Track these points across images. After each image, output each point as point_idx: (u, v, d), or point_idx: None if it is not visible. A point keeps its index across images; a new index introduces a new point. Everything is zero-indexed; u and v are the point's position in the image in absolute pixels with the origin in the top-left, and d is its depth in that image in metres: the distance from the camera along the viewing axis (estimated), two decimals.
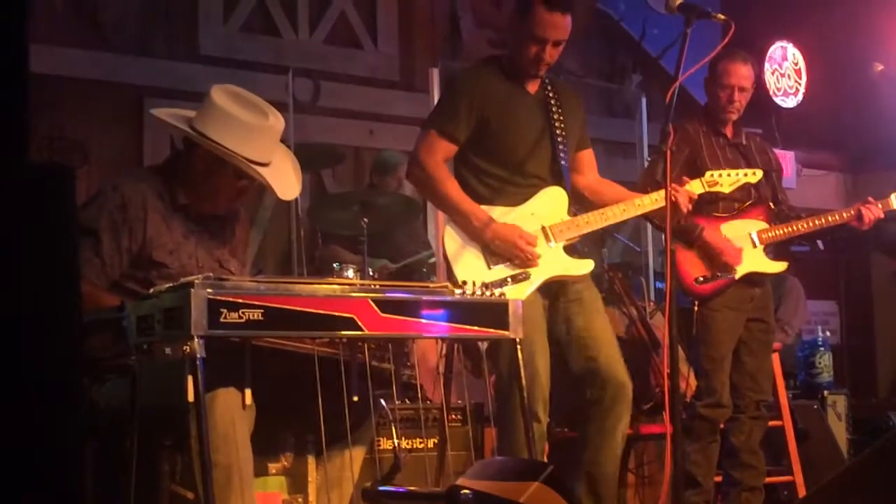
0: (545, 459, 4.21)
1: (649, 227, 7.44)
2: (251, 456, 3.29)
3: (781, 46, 9.58)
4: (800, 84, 9.65)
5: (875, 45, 9.20)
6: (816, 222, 5.15)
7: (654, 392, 5.04)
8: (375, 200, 6.23)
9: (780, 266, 5.16)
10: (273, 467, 3.71)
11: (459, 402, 4.96)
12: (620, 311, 5.63)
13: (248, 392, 3.25)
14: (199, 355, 2.86)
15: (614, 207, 4.30)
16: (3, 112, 1.47)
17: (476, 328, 3.39)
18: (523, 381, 3.64)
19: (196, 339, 2.85)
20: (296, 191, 3.88)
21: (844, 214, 5.19)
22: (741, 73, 5.10)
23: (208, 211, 3.74)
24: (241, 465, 3.23)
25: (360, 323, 3.12)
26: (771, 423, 5.41)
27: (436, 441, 4.67)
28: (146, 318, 3.02)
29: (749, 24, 5.01)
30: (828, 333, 8.02)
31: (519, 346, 3.52)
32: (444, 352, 4.60)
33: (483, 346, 3.82)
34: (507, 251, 4.10)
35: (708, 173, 4.56)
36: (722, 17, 4.03)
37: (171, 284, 3.01)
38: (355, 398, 3.30)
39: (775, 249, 5.22)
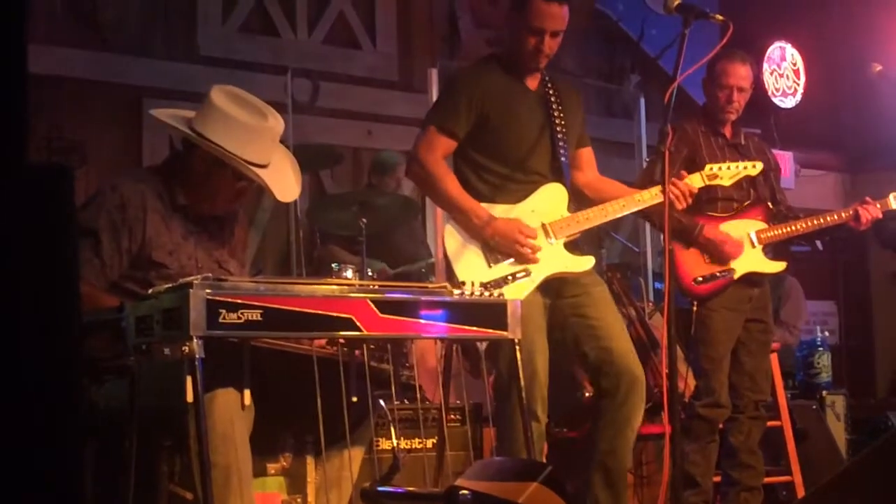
0: (544, 459, 4.21)
1: (648, 227, 7.45)
2: (250, 456, 3.28)
3: (780, 47, 9.59)
4: (798, 84, 9.66)
5: (873, 45, 9.20)
6: (815, 222, 5.15)
7: (653, 392, 5.04)
8: (374, 201, 6.23)
9: (778, 266, 5.16)
10: (272, 468, 3.71)
11: (458, 402, 4.96)
12: (619, 311, 5.64)
13: (247, 392, 3.25)
14: (197, 356, 2.86)
15: (614, 203, 4.30)
16: (1, 112, 1.47)
17: (475, 328, 3.39)
18: (522, 382, 3.64)
19: (195, 340, 2.85)
20: (295, 192, 3.88)
21: (843, 214, 5.19)
22: (740, 74, 5.11)
23: (207, 212, 3.74)
24: (240, 466, 3.23)
25: (358, 323, 3.12)
26: (770, 423, 5.41)
27: (435, 441, 4.67)
28: (145, 319, 3.02)
29: (747, 25, 5.02)
30: (826, 333, 8.03)
31: (518, 347, 3.52)
32: (442, 352, 4.61)
33: (482, 346, 3.82)
34: (508, 247, 4.09)
35: (708, 167, 4.54)
36: (720, 17, 4.03)
37: (169, 285, 3.01)
38: (354, 398, 3.30)
39: (774, 249, 5.22)
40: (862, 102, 9.23)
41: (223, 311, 2.90)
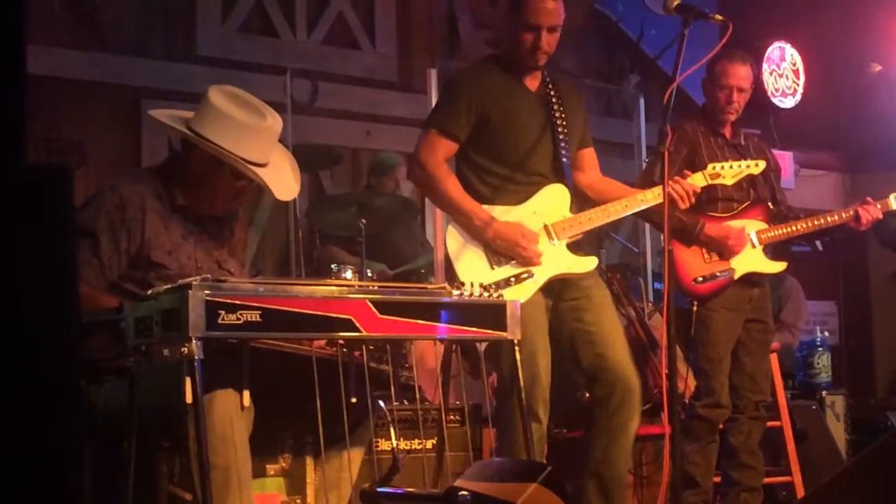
0: (544, 460, 4.21)
1: (647, 227, 7.45)
2: (249, 457, 3.28)
3: (779, 47, 9.59)
4: (798, 84, 9.65)
5: (872, 45, 9.21)
6: (815, 223, 5.15)
7: (653, 393, 5.04)
8: (373, 201, 6.23)
9: (779, 266, 5.16)
10: (271, 468, 3.70)
11: (458, 402, 4.96)
12: (619, 311, 5.63)
13: (246, 393, 3.25)
14: (196, 357, 2.86)
15: (616, 203, 4.29)
16: (0, 113, 1.47)
17: (474, 329, 3.39)
18: (522, 382, 3.64)
19: (194, 341, 2.85)
20: (294, 191, 3.88)
21: (843, 215, 5.19)
22: (740, 74, 5.10)
23: (206, 212, 3.73)
24: (240, 467, 3.22)
25: (358, 324, 3.12)
26: (769, 423, 5.41)
27: (434, 442, 4.67)
28: (144, 320, 3.02)
29: (747, 25, 5.01)
30: (826, 334, 8.03)
31: (517, 347, 3.52)
32: (442, 353, 4.60)
33: (481, 347, 3.82)
34: (509, 250, 4.09)
35: (710, 166, 4.54)
36: (720, 17, 4.03)
37: (168, 286, 3.01)
38: (353, 399, 3.29)
39: (774, 249, 5.22)
40: (861, 102, 9.24)
41: (222, 312, 2.89)
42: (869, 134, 9.53)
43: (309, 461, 3.72)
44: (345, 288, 3.27)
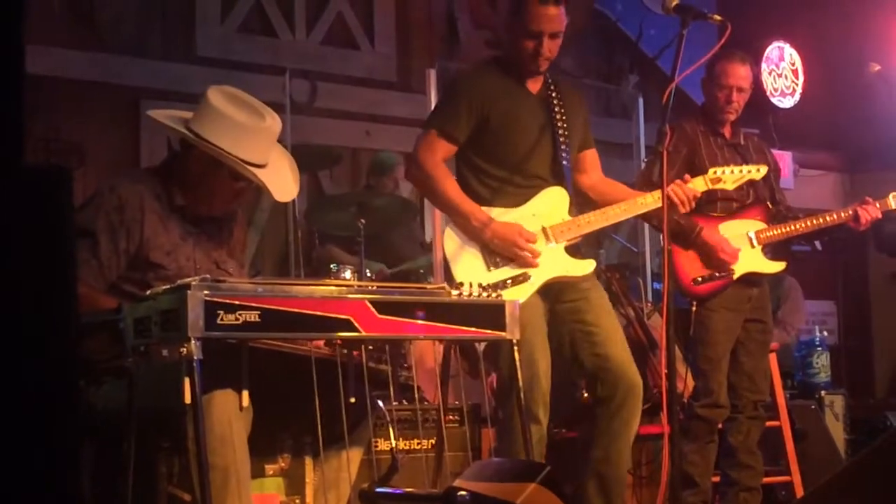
0: (543, 461, 4.21)
1: (647, 227, 7.45)
2: (248, 458, 3.28)
3: (778, 47, 9.59)
4: (796, 84, 9.65)
5: (872, 45, 9.20)
6: (814, 222, 5.15)
7: (652, 393, 5.04)
8: (372, 202, 6.23)
9: (778, 266, 5.16)
10: (270, 469, 3.70)
11: (457, 402, 4.96)
12: (618, 311, 5.63)
13: (245, 394, 3.25)
14: (195, 357, 2.86)
15: (615, 207, 4.29)
16: None
17: (473, 329, 3.39)
18: (520, 383, 3.64)
19: (193, 341, 2.85)
20: (293, 192, 3.88)
21: (842, 214, 5.19)
22: (739, 74, 5.10)
23: (205, 212, 3.73)
24: (239, 467, 3.22)
25: (357, 324, 3.12)
26: (768, 423, 5.41)
27: (433, 442, 4.67)
28: (143, 320, 3.02)
29: (745, 25, 5.00)
30: (825, 333, 8.03)
31: (516, 348, 3.51)
32: (441, 353, 4.60)
33: (480, 347, 3.81)
34: (507, 250, 4.08)
35: (711, 170, 4.54)
36: (718, 17, 4.03)
37: (167, 286, 3.01)
38: (352, 399, 3.29)
39: (774, 249, 5.22)
40: (860, 102, 9.22)
41: (221, 312, 2.90)
42: (868, 134, 9.53)
43: (308, 461, 3.72)
44: (344, 288, 3.27)
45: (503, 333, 3.42)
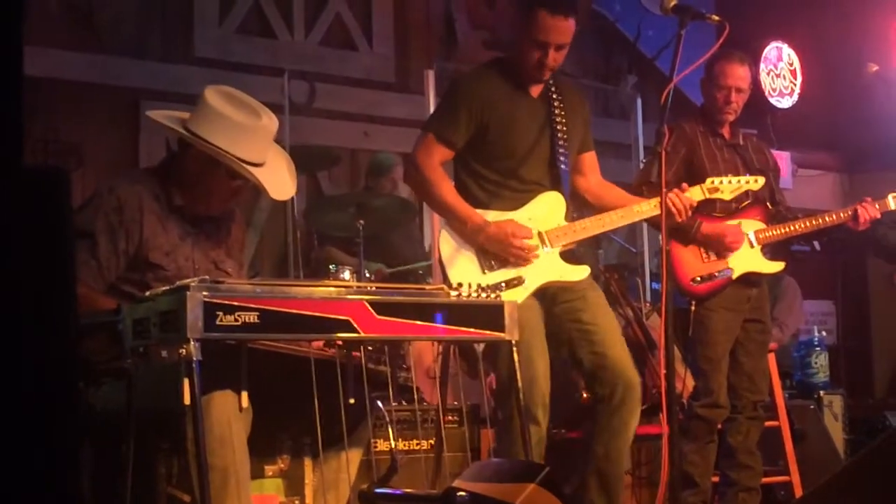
0: (542, 461, 4.21)
1: (645, 227, 7.45)
2: (248, 458, 3.28)
3: (776, 47, 9.60)
4: (795, 84, 9.66)
5: (870, 45, 9.22)
6: (813, 222, 5.15)
7: (651, 393, 5.04)
8: (371, 202, 6.23)
9: (777, 266, 5.15)
10: (270, 469, 3.71)
11: (456, 403, 4.96)
12: (616, 312, 5.63)
13: (244, 395, 3.25)
14: (195, 358, 2.86)
15: (612, 214, 4.29)
16: None
17: (472, 330, 3.39)
18: (520, 383, 3.64)
19: (192, 342, 2.85)
20: (290, 191, 3.88)
21: (841, 215, 5.18)
22: (738, 74, 5.10)
23: (203, 212, 3.73)
24: (238, 468, 3.22)
25: (356, 325, 3.12)
26: (767, 423, 5.41)
27: (432, 443, 4.67)
28: (142, 321, 3.02)
29: (744, 25, 5.01)
30: (824, 333, 8.03)
31: (515, 348, 3.52)
32: (440, 352, 4.60)
33: (479, 347, 3.81)
34: (502, 250, 4.08)
35: (709, 180, 4.54)
36: (716, 17, 4.03)
37: (166, 287, 3.01)
38: (351, 400, 3.30)
39: (773, 249, 5.22)
40: (859, 102, 9.24)
41: (220, 313, 2.90)
42: (867, 134, 9.53)
43: (307, 462, 3.72)
44: (343, 289, 3.27)
45: (502, 334, 3.42)
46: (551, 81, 4.31)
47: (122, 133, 6.87)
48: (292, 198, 5.86)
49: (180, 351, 2.87)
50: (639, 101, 8.37)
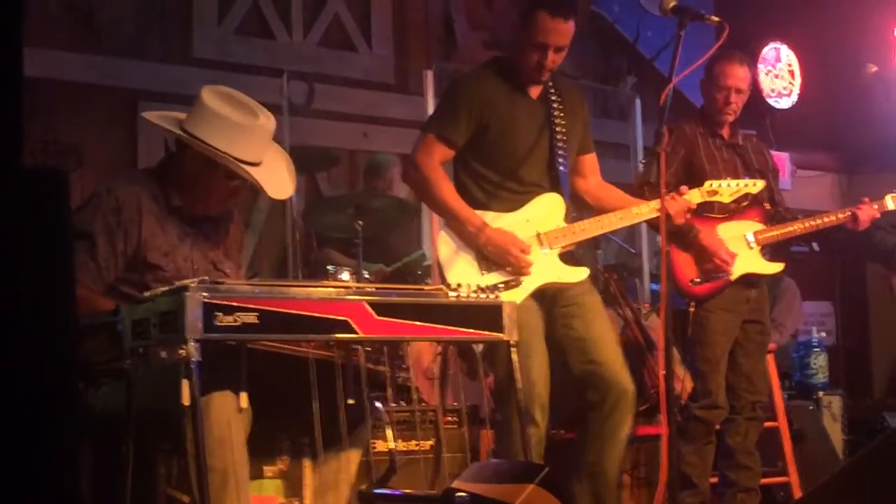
0: (541, 462, 4.21)
1: (644, 228, 7.45)
2: (247, 459, 3.28)
3: (775, 48, 9.60)
4: (793, 85, 9.67)
5: (868, 46, 9.22)
6: (812, 223, 5.15)
7: (650, 394, 5.05)
8: (370, 203, 6.22)
9: (776, 267, 5.16)
10: (269, 470, 3.70)
11: (455, 404, 4.96)
12: (615, 312, 5.63)
13: (243, 395, 3.24)
14: (194, 359, 2.86)
15: (611, 215, 4.29)
16: None
17: (471, 330, 3.39)
18: (519, 384, 3.64)
19: (191, 343, 2.85)
20: (289, 190, 3.88)
21: (840, 215, 5.19)
22: (738, 75, 5.10)
23: (201, 212, 3.73)
24: (237, 469, 3.22)
25: (355, 326, 3.12)
26: (766, 424, 5.41)
27: (431, 443, 4.67)
28: (142, 322, 3.02)
29: (742, 26, 5.01)
30: (823, 334, 8.03)
31: (513, 349, 3.51)
32: (438, 352, 4.60)
33: (478, 348, 3.81)
34: (500, 257, 4.09)
35: (707, 183, 4.54)
36: (715, 18, 4.03)
37: (166, 288, 3.01)
38: (351, 401, 3.30)
39: (772, 250, 5.22)
40: (858, 103, 9.24)
41: (219, 313, 2.90)
42: (865, 135, 9.54)
43: (307, 463, 3.72)
44: (342, 289, 3.27)
45: (500, 335, 3.42)
46: (550, 83, 4.31)
47: (122, 134, 6.86)
48: (291, 198, 5.86)
49: (179, 351, 2.87)
50: (638, 102, 8.36)
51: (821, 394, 7.17)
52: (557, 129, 4.24)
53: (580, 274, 4.20)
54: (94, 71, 6.79)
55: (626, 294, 5.91)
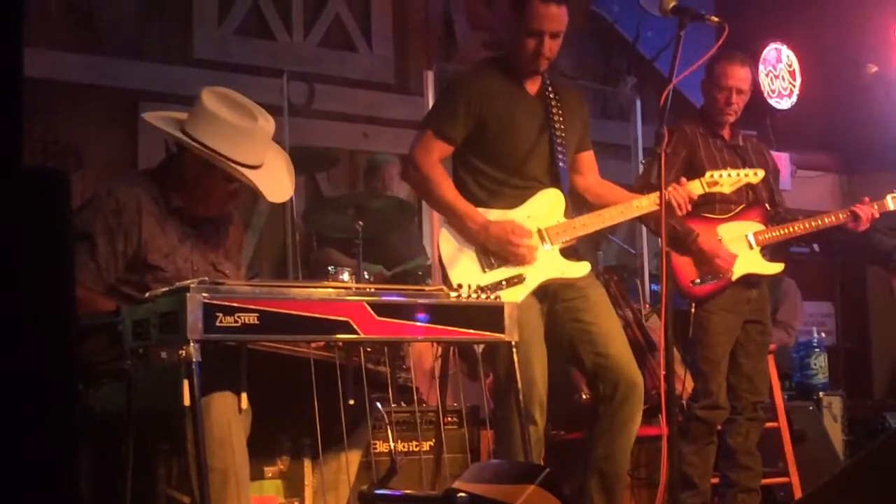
0: (542, 462, 4.21)
1: (644, 229, 7.45)
2: (247, 460, 3.28)
3: (775, 48, 9.60)
4: (794, 85, 9.67)
5: (869, 46, 9.22)
6: (812, 224, 5.15)
7: (650, 394, 5.04)
8: (370, 203, 6.22)
9: (776, 267, 5.15)
10: (269, 471, 3.71)
11: (455, 404, 4.96)
12: (616, 313, 5.62)
13: (243, 396, 3.25)
14: (194, 359, 2.86)
15: (612, 209, 4.29)
16: None
17: (471, 331, 3.39)
18: (519, 384, 3.64)
19: (192, 344, 2.85)
20: (287, 193, 3.88)
21: (841, 216, 5.18)
22: (739, 76, 5.10)
23: (201, 214, 3.73)
24: (238, 469, 3.22)
25: (355, 326, 3.12)
26: (767, 424, 5.41)
27: (432, 444, 4.67)
28: (142, 323, 3.02)
29: (743, 26, 5.01)
30: (823, 335, 8.04)
31: (514, 349, 3.51)
32: (439, 355, 4.60)
33: (479, 348, 3.81)
34: (502, 248, 4.08)
35: (708, 174, 4.53)
36: (716, 19, 4.03)
37: (166, 289, 3.01)
38: (351, 401, 3.30)
39: (772, 250, 5.22)
40: (858, 104, 9.25)
41: (220, 314, 2.90)
42: (865, 135, 9.54)
43: (307, 463, 3.72)
44: (342, 290, 3.27)
45: (502, 335, 3.43)
46: (548, 81, 4.31)
47: (122, 134, 6.86)
48: (291, 199, 5.86)
49: (180, 352, 2.87)
50: (638, 103, 8.36)
51: (821, 394, 7.17)
52: (556, 126, 4.24)
53: (583, 268, 4.20)
54: (94, 71, 6.79)
55: (627, 295, 5.91)
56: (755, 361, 5.15)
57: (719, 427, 5.10)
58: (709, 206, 5.02)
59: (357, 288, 3.50)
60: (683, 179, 4.44)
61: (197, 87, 3.76)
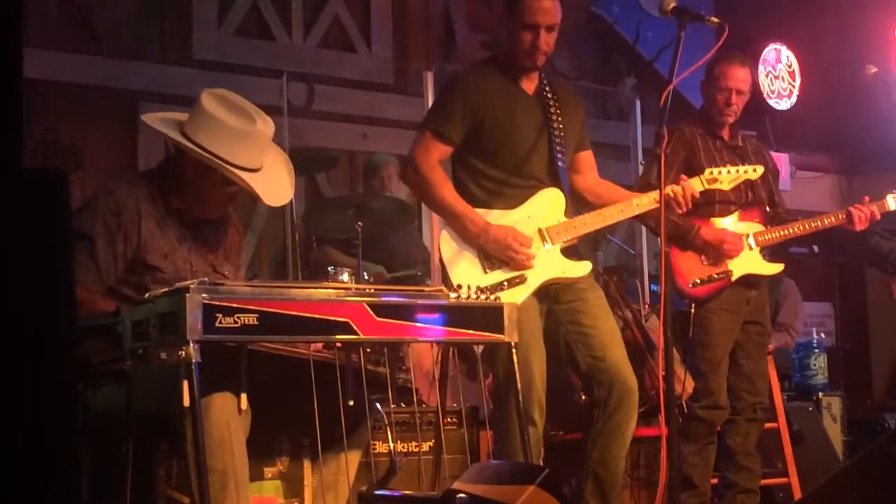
0: (541, 463, 4.21)
1: (644, 229, 7.45)
2: (247, 460, 3.28)
3: (775, 49, 9.60)
4: (793, 86, 9.67)
5: (868, 47, 9.21)
6: (812, 224, 5.15)
7: (650, 395, 5.04)
8: (370, 204, 6.22)
9: (776, 268, 5.15)
10: (269, 471, 3.71)
11: (455, 405, 4.96)
12: (615, 314, 5.62)
13: (243, 396, 3.25)
14: (194, 360, 2.86)
15: (612, 208, 4.28)
16: None
17: (471, 332, 3.39)
18: (519, 385, 3.64)
19: (191, 344, 2.85)
20: (286, 196, 3.87)
21: (840, 216, 5.18)
22: (739, 76, 5.10)
23: (200, 215, 3.73)
24: (237, 470, 3.22)
25: (355, 327, 3.12)
26: (766, 425, 5.41)
27: (431, 444, 4.67)
28: (142, 323, 3.02)
29: (742, 27, 5.02)
30: (822, 335, 8.03)
31: (514, 350, 3.51)
32: (439, 355, 4.60)
33: (478, 349, 3.81)
34: (502, 253, 4.08)
35: (707, 171, 4.53)
36: (715, 20, 4.03)
37: (166, 289, 3.01)
38: (351, 402, 3.30)
39: (772, 251, 5.22)
40: (857, 104, 9.23)
41: (220, 315, 2.90)
42: (865, 136, 9.53)
43: (306, 464, 3.72)
44: (342, 291, 3.27)
45: (501, 336, 3.43)
46: (545, 81, 4.31)
47: (121, 135, 6.86)
48: (291, 200, 5.86)
49: (179, 353, 2.87)
50: (638, 103, 8.36)
51: (820, 395, 7.18)
52: (554, 125, 4.24)
53: (584, 268, 4.19)
54: (93, 72, 6.78)
55: (626, 295, 5.91)
56: (755, 362, 5.15)
57: (719, 427, 5.10)
58: (708, 206, 5.02)
59: (357, 288, 3.50)
60: (683, 177, 4.44)
61: (197, 87, 3.76)
